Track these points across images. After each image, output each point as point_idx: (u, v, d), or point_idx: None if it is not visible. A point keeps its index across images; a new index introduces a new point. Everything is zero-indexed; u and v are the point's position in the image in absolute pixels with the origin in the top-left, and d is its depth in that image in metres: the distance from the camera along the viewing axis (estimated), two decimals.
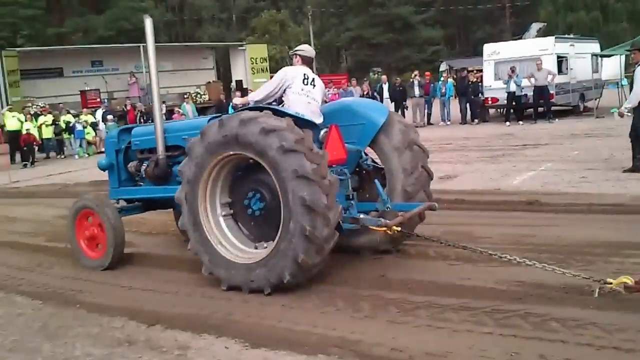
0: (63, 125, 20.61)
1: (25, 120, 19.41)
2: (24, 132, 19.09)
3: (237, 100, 6.48)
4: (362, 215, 5.28)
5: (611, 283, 4.08)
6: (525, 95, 19.21)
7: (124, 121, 20.83)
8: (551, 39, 20.98)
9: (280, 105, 5.59)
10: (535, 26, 30.74)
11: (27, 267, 6.59)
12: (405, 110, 21.48)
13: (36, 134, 19.65)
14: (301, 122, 5.10)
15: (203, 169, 5.13)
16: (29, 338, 4.48)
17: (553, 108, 19.54)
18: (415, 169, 5.73)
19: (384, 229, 4.99)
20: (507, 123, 19.10)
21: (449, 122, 21.12)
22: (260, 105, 5.42)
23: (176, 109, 22.78)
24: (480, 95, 20.76)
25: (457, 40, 63.17)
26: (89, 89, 23.89)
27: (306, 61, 5.85)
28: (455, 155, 12.90)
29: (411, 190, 5.66)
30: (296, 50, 5.92)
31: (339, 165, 5.42)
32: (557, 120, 19.04)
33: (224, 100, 23.09)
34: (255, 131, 4.78)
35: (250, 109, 5.24)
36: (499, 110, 21.65)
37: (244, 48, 29.22)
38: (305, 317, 4.42)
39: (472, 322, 4.07)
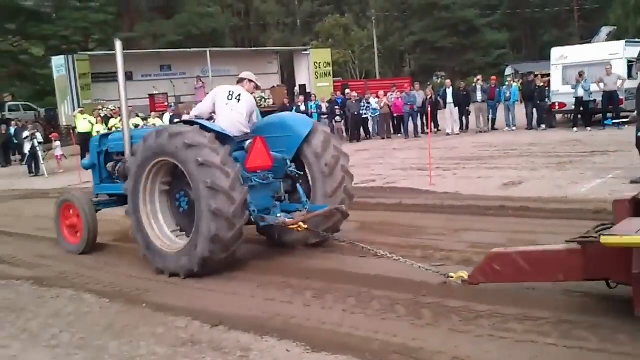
0: (132, 128, 21.29)
1: (96, 123, 20.18)
2: (94, 134, 19.87)
3: (186, 117, 7.65)
4: (266, 216, 6.23)
5: (452, 277, 4.71)
6: (594, 100, 18.49)
7: None
8: (621, 42, 20.17)
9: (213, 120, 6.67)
10: (605, 30, 29.64)
11: (95, 266, 6.82)
12: (468, 115, 21.14)
13: None
14: (230, 140, 6.18)
15: (144, 168, 6.18)
16: (96, 336, 4.60)
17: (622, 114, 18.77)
18: (334, 172, 6.57)
19: (284, 224, 6.02)
20: (575, 129, 18.44)
21: (514, 128, 20.58)
22: (194, 120, 6.48)
23: None
24: (547, 100, 20.13)
25: (523, 43, 61.55)
26: (157, 92, 24.61)
27: (239, 82, 6.98)
28: (521, 162, 12.55)
29: (330, 191, 6.51)
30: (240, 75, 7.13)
31: (265, 171, 6.36)
32: (626, 127, 18.25)
33: (288, 104, 23.34)
34: (179, 144, 5.78)
35: (186, 122, 6.37)
36: (566, 115, 20.94)
37: (308, 52, 29.41)
38: (366, 323, 4.41)
39: (536, 333, 3.96)
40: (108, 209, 7.67)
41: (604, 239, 3.78)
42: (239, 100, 6.62)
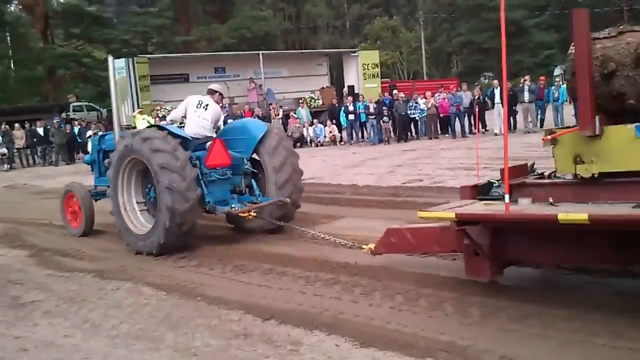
0: None
1: (155, 123, 20.84)
2: None
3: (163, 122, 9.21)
4: (217, 206, 7.38)
5: (364, 248, 5.82)
6: None
7: None
8: None
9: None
10: None
11: (153, 260, 7.04)
12: (515, 114, 20.77)
13: None
14: (189, 142, 7.42)
15: (122, 161, 7.43)
16: (153, 327, 4.76)
17: None
18: (283, 168, 7.68)
19: (232, 213, 7.39)
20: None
21: None
22: (167, 125, 7.66)
23: (291, 113, 23.42)
24: None
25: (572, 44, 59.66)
26: None
27: (209, 93, 8.17)
28: None
29: (280, 184, 7.63)
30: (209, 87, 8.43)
31: (224, 168, 7.53)
32: None
33: (337, 105, 23.46)
34: (147, 148, 6.98)
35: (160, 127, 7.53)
36: None
37: (356, 54, 29.48)
38: (414, 320, 4.45)
39: (586, 333, 3.92)
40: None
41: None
42: (206, 109, 7.86)
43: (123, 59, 24.15)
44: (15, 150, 24.50)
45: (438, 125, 22.05)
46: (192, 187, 6.92)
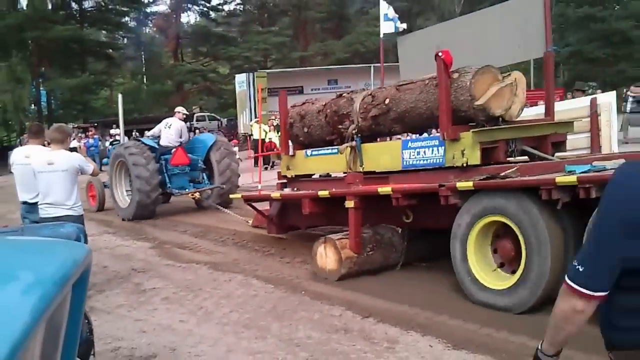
0: None
1: (269, 131, 21.76)
2: (267, 141, 21.45)
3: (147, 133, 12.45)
4: (175, 190, 11.01)
5: (249, 222, 8.67)
6: None
7: None
8: None
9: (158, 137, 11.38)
10: None
11: (264, 255, 7.39)
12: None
13: (277, 142, 21.85)
14: (156, 149, 11.00)
15: (114, 162, 11.29)
16: (260, 317, 4.99)
17: None
18: (223, 161, 11.26)
19: (182, 194, 11.18)
20: None
21: None
22: (145, 138, 11.80)
23: None
24: None
25: None
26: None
27: (177, 116, 11.57)
28: None
29: (221, 172, 11.17)
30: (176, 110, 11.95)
31: (184, 165, 11.14)
32: None
33: None
34: (127, 153, 10.70)
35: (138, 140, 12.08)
36: None
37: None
38: (507, 323, 4.41)
39: None
40: None
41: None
42: (169, 127, 11.25)
43: (244, 74, 25.36)
44: None
45: None
46: (154, 176, 10.50)
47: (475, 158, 5.40)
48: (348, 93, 7.22)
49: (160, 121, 11.70)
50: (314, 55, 44.78)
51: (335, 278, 5.89)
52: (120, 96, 13.34)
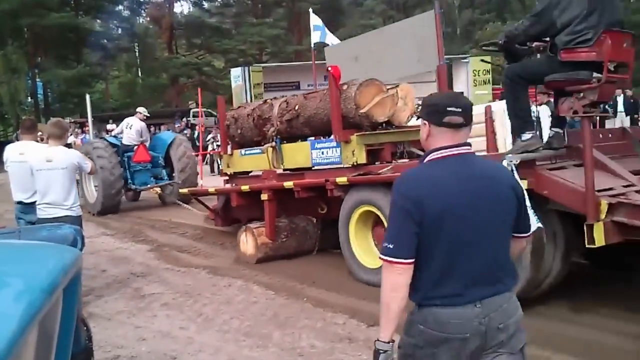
0: None
1: None
2: None
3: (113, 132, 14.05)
4: (136, 185, 12.14)
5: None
6: None
7: None
8: None
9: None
10: None
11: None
12: (637, 123, 19.31)
13: None
14: (119, 146, 12.04)
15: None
16: (261, 325, 4.90)
17: None
18: (182, 159, 12.13)
19: (142, 190, 12.44)
20: None
21: None
22: (108, 137, 13.06)
23: None
24: None
25: None
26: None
27: (137, 116, 12.48)
28: None
29: (180, 169, 12.05)
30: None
31: (145, 162, 12.10)
32: None
33: None
34: (91, 148, 11.55)
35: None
36: None
37: (467, 61, 28.77)
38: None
39: None
40: None
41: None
42: (130, 128, 12.17)
43: (239, 68, 25.17)
44: None
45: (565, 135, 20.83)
46: (116, 169, 11.53)
47: (362, 158, 6.34)
48: (272, 99, 8.06)
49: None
50: (309, 49, 44.57)
51: (254, 261, 6.94)
52: (87, 96, 15.00)
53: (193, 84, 43.32)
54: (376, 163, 6.46)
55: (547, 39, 4.58)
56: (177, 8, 48.59)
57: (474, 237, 2.14)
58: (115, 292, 6.26)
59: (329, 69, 6.58)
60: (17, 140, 7.87)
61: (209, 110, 36.62)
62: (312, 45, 14.86)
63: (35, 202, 5.83)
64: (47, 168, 5.63)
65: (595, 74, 4.29)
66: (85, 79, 36.38)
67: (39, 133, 8.63)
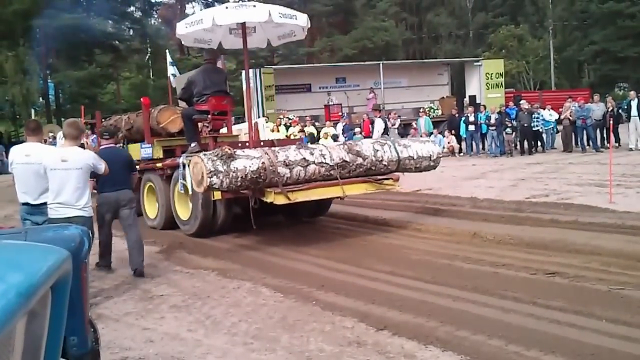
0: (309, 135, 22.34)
1: (272, 131, 21.46)
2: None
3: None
4: None
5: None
6: None
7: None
8: None
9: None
10: None
11: (273, 263, 7.22)
12: None
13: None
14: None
15: None
16: (270, 328, 4.85)
17: None
18: None
19: None
20: None
21: None
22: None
23: (413, 123, 23.16)
24: None
25: None
26: (332, 103, 25.60)
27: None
28: None
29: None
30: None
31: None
32: None
33: (457, 115, 22.91)
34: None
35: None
36: None
37: (480, 64, 28.68)
38: (538, 341, 4.21)
39: None
40: None
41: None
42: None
43: (251, 70, 25.16)
44: None
45: (573, 138, 20.64)
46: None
47: (160, 154, 10.18)
48: (128, 115, 12.17)
49: None
50: (321, 51, 44.61)
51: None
52: (82, 107, 16.29)
53: None
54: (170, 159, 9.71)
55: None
56: (189, 9, 48.69)
57: None
58: (124, 293, 6.24)
59: (141, 99, 11.07)
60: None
61: None
62: (170, 75, 17.31)
63: (42, 203, 5.81)
64: (62, 168, 5.62)
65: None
66: (97, 80, 36.57)
67: (50, 133, 8.70)
